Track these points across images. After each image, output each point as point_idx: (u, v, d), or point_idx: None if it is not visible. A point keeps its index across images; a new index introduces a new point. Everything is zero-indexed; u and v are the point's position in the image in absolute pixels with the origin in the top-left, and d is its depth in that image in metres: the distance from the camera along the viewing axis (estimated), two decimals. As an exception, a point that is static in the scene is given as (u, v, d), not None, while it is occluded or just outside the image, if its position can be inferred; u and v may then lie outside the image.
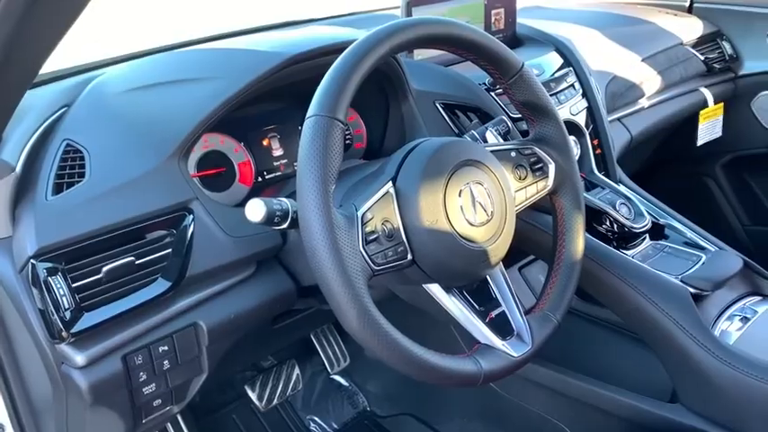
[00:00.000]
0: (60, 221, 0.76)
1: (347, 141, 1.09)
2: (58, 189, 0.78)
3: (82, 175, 0.80)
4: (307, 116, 0.72)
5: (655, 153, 1.85)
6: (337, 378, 1.64)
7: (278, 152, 1.06)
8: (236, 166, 1.01)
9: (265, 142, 1.05)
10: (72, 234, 0.75)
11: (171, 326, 0.82)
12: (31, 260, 0.73)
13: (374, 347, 0.69)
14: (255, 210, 0.74)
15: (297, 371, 1.52)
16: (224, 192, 0.99)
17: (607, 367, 1.18)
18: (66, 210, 0.77)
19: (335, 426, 1.56)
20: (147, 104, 0.90)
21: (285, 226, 0.76)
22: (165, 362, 0.82)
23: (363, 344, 0.69)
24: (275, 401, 1.48)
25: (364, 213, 0.73)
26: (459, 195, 0.78)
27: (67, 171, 0.80)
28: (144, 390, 0.82)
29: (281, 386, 1.49)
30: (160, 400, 0.85)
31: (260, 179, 1.04)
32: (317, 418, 1.57)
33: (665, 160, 1.93)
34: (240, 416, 1.50)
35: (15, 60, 0.67)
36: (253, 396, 1.46)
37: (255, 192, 1.03)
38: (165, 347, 0.82)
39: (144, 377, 0.81)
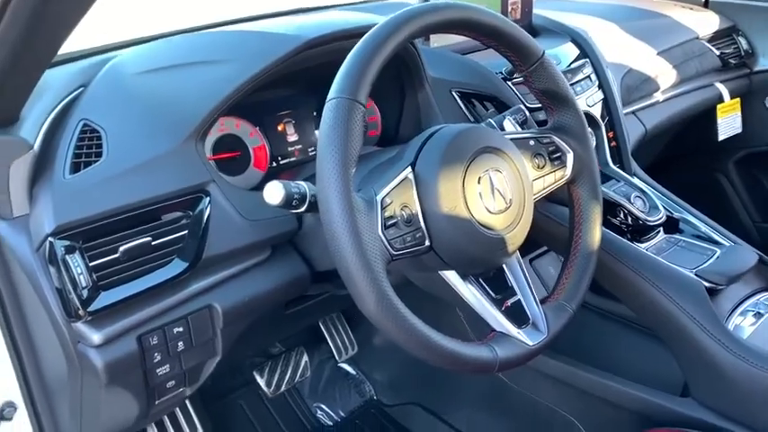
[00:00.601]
0: (78, 200, 0.76)
1: None
2: (75, 168, 0.78)
3: (99, 155, 0.80)
4: (328, 98, 0.71)
5: (667, 147, 1.84)
6: (344, 366, 1.64)
7: (292, 137, 1.06)
8: (251, 151, 1.01)
9: (280, 127, 1.04)
10: (89, 213, 0.75)
11: (186, 307, 0.82)
12: (49, 238, 0.73)
13: (391, 331, 0.69)
14: (274, 192, 0.73)
15: (305, 358, 1.52)
16: (238, 176, 0.99)
17: (618, 360, 1.17)
18: (84, 189, 0.77)
19: (342, 414, 1.56)
20: (165, 86, 0.90)
21: (303, 209, 0.76)
22: (180, 343, 0.82)
23: (380, 327, 0.69)
24: (283, 388, 1.48)
25: (383, 198, 0.73)
26: (479, 182, 0.77)
27: (84, 150, 0.80)
28: (158, 371, 0.82)
29: (289, 373, 1.49)
30: (174, 382, 0.85)
31: (274, 164, 1.04)
32: (323, 406, 1.58)
33: (677, 155, 1.92)
34: (248, 402, 1.50)
35: (35, 40, 0.67)
36: (261, 382, 1.46)
37: (270, 177, 1.02)
38: (180, 329, 0.81)
39: (158, 358, 0.81)
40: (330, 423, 1.55)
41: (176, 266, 0.80)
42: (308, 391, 1.59)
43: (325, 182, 0.68)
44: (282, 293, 0.92)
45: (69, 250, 0.73)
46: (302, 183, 0.77)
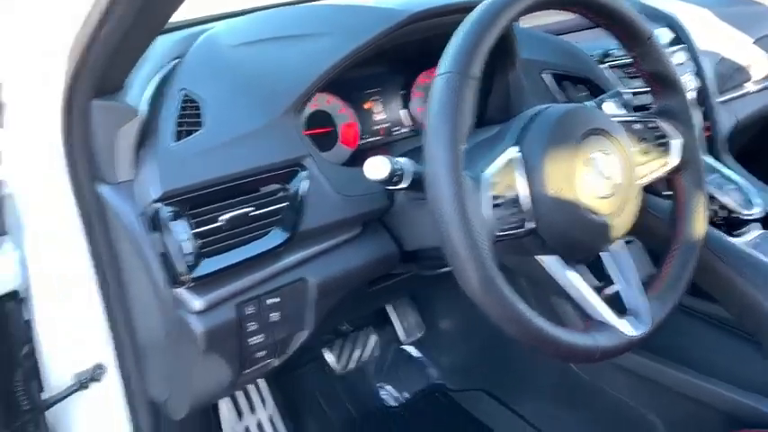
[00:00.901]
0: (182, 168, 0.76)
1: None
2: (177, 136, 0.79)
3: (198, 125, 0.81)
4: (437, 73, 0.69)
5: (753, 141, 1.76)
6: (411, 349, 1.64)
7: (379, 116, 1.05)
8: (339, 128, 1.00)
9: (367, 105, 1.04)
10: (193, 181, 0.76)
11: (281, 279, 0.83)
12: (155, 203, 0.74)
13: (494, 312, 0.67)
14: (378, 167, 0.73)
15: (374, 338, 1.52)
16: (327, 152, 0.99)
17: (703, 359, 1.13)
18: (187, 157, 0.77)
19: (407, 395, 1.56)
20: (263, 58, 0.90)
21: (403, 186, 0.75)
22: (274, 314, 0.82)
23: (483, 307, 0.67)
24: (351, 366, 1.49)
25: (490, 177, 0.71)
26: (586, 165, 0.75)
27: (186, 120, 0.81)
28: (251, 340, 0.83)
29: (357, 352, 1.50)
30: (264, 352, 0.86)
31: (361, 141, 1.03)
32: (388, 387, 1.58)
33: (761, 149, 1.83)
34: (315, 378, 1.51)
35: (149, 10, 0.67)
36: (330, 359, 1.47)
37: (358, 154, 1.02)
38: (276, 300, 0.82)
39: (253, 327, 0.81)
40: (395, 404, 1.55)
41: (275, 238, 0.80)
42: (373, 371, 1.59)
43: (434, 158, 0.67)
44: (371, 270, 0.92)
45: (174, 216, 0.74)
46: (401, 159, 0.76)
